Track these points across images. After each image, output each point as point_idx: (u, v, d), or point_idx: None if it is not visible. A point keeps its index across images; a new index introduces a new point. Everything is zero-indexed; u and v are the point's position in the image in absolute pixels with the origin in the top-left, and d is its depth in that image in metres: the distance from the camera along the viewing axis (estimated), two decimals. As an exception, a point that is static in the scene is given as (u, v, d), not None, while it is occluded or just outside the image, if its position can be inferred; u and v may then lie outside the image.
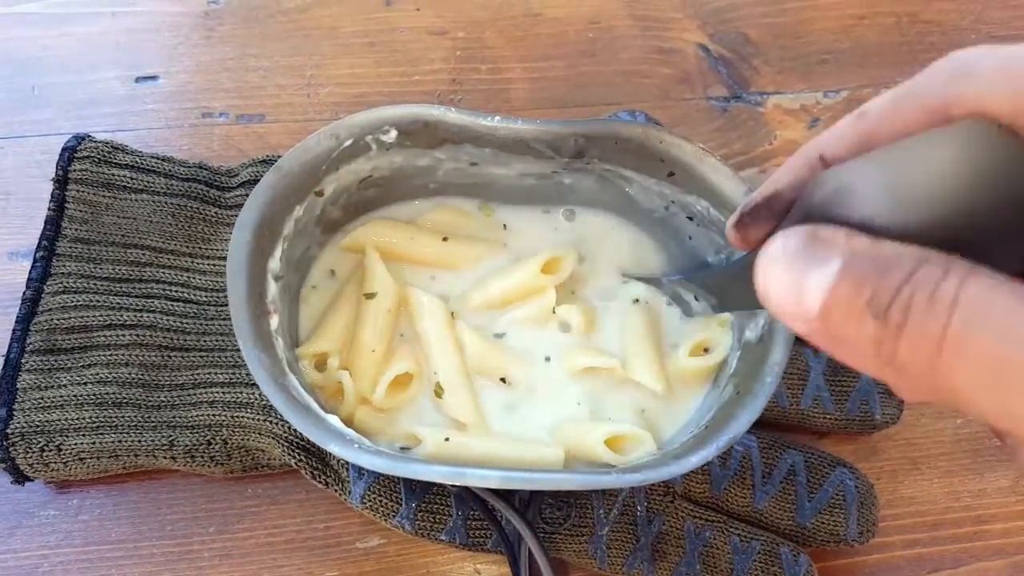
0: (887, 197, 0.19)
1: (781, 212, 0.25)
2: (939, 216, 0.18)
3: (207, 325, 0.42)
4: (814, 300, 0.19)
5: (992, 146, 0.18)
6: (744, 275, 0.27)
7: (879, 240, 0.19)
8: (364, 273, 0.41)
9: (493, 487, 0.32)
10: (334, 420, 0.34)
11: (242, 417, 0.39)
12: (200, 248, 0.44)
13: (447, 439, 0.37)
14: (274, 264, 0.36)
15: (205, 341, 0.41)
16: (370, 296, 0.40)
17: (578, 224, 0.44)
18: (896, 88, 0.22)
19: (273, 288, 0.36)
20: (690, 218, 0.40)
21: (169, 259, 0.43)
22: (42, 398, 0.39)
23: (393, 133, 0.38)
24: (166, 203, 0.44)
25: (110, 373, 0.40)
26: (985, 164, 0.18)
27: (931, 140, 0.19)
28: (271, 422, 0.39)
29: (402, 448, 0.38)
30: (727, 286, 0.34)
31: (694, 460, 0.32)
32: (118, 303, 0.41)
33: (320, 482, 0.39)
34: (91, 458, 0.39)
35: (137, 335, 0.41)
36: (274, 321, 0.35)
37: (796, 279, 0.19)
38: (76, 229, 0.43)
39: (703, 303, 0.39)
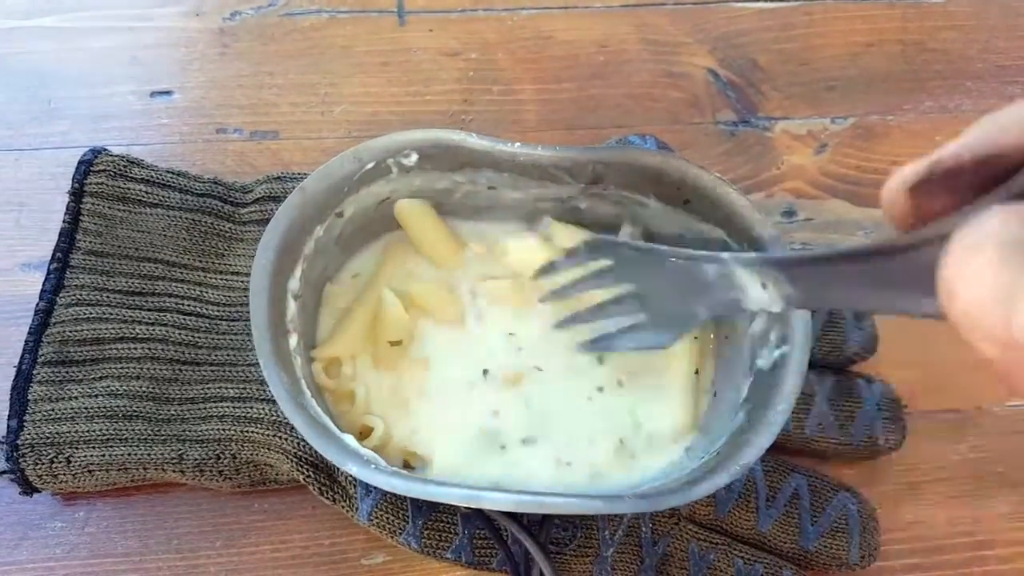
0: None
1: (990, 181, 0.17)
2: None
3: (219, 340, 0.42)
4: None
5: None
6: (886, 265, 0.20)
7: None
8: (383, 312, 0.41)
9: (506, 510, 0.32)
10: (350, 439, 0.35)
11: (252, 432, 0.39)
12: (213, 263, 0.44)
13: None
14: (293, 283, 0.37)
15: (216, 356, 0.41)
16: (395, 343, 0.40)
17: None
18: None
19: (292, 307, 0.37)
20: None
21: (182, 273, 0.43)
22: (53, 410, 0.39)
23: (414, 156, 0.39)
24: (180, 218, 0.44)
25: (121, 386, 0.40)
26: None
27: None
28: (281, 437, 0.39)
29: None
30: (829, 277, 0.26)
31: (705, 487, 0.32)
32: (131, 316, 0.42)
33: (328, 498, 0.39)
34: (100, 471, 0.39)
35: (149, 348, 0.41)
36: (292, 340, 0.36)
37: (1009, 282, 0.14)
38: (90, 242, 0.43)
39: (772, 294, 0.30)
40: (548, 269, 0.39)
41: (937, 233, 0.16)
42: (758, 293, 0.31)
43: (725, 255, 0.32)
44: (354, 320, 0.41)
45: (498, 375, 0.40)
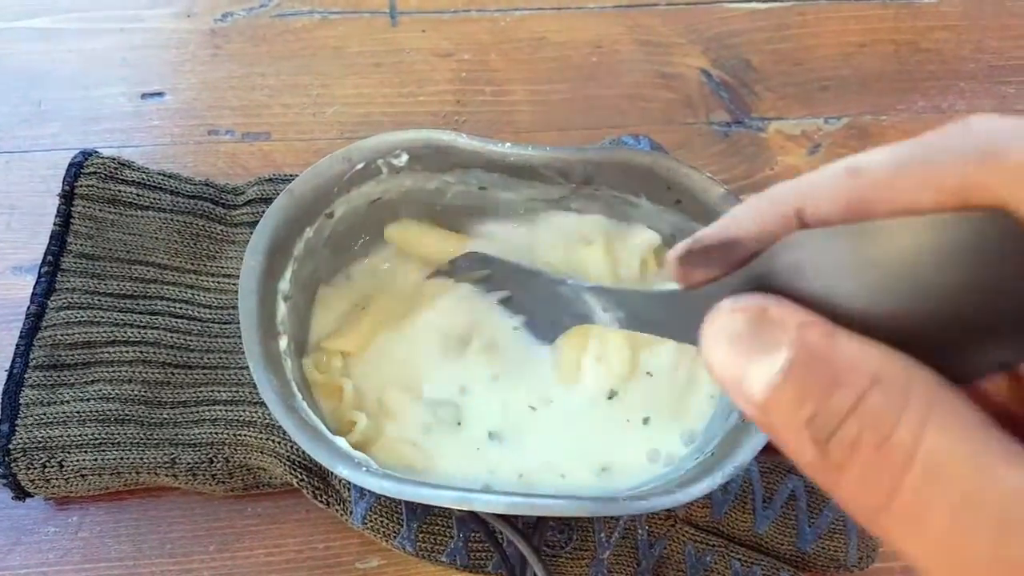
0: (867, 278, 0.17)
1: (736, 262, 0.21)
2: (921, 306, 0.16)
3: (211, 343, 0.42)
4: (756, 392, 0.17)
5: (1009, 240, 0.15)
6: (674, 308, 0.25)
7: (835, 334, 0.16)
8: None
9: (499, 512, 0.32)
10: (342, 442, 0.34)
11: (244, 435, 0.39)
12: (205, 265, 0.44)
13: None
14: (283, 285, 0.37)
15: (208, 359, 0.41)
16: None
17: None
18: (897, 148, 0.18)
19: (282, 309, 0.36)
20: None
21: (174, 276, 0.43)
22: (45, 414, 0.39)
23: (404, 157, 0.38)
24: (172, 220, 0.44)
25: (113, 390, 0.40)
26: (993, 259, 0.16)
27: (942, 224, 0.16)
28: (274, 441, 0.39)
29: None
30: (649, 309, 0.30)
31: (700, 488, 0.32)
32: (122, 319, 0.41)
33: (321, 502, 0.39)
34: (93, 475, 0.39)
35: (141, 352, 0.41)
36: (283, 342, 0.36)
37: (739, 363, 0.18)
38: (81, 244, 0.43)
39: (609, 316, 0.34)
40: (438, 274, 0.42)
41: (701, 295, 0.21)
42: (600, 314, 0.36)
43: (570, 280, 0.37)
44: (367, 323, 0.41)
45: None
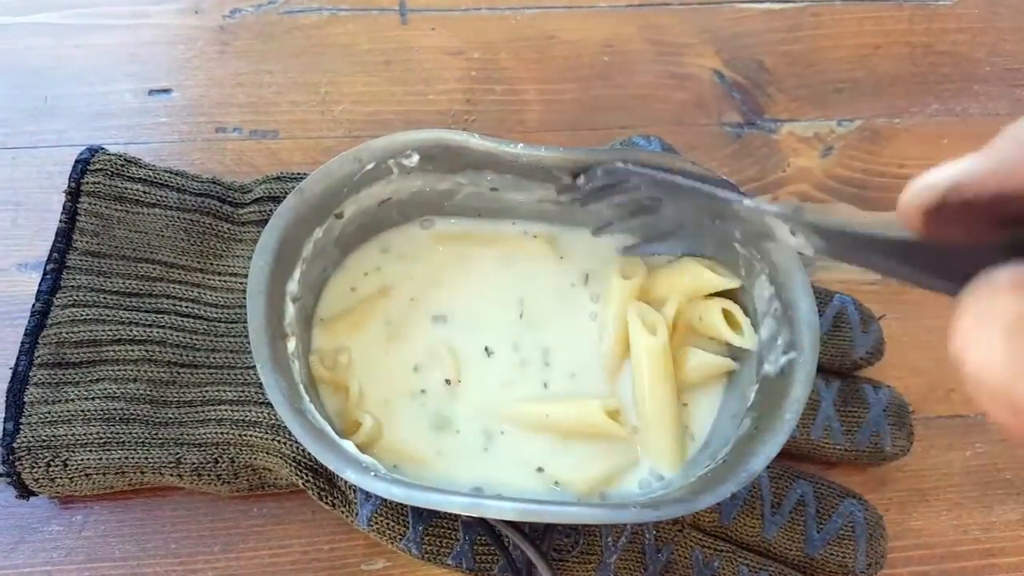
0: None
1: (1007, 220, 0.17)
2: None
3: (217, 342, 0.41)
4: None
5: None
6: (909, 255, 0.19)
7: None
8: None
9: (509, 519, 0.31)
10: (349, 446, 0.34)
11: (250, 436, 0.39)
12: (212, 264, 0.43)
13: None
14: (292, 286, 0.36)
15: (215, 358, 0.41)
16: None
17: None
18: None
19: (291, 310, 0.36)
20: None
21: (180, 274, 0.43)
22: (49, 412, 0.39)
23: (415, 157, 0.38)
24: (178, 218, 0.43)
25: (118, 388, 0.40)
26: None
27: None
28: (279, 441, 0.39)
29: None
30: (862, 244, 0.25)
31: (712, 497, 0.32)
32: (128, 318, 0.41)
33: (327, 503, 0.39)
34: (97, 474, 0.39)
35: (146, 350, 0.40)
36: (291, 344, 0.35)
37: (1014, 356, 0.14)
38: (87, 242, 0.42)
39: (802, 240, 0.30)
40: (565, 190, 0.40)
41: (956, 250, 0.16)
42: (787, 236, 0.31)
43: (747, 201, 0.32)
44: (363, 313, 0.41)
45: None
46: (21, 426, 0.39)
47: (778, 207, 0.31)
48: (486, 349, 0.41)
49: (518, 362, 0.41)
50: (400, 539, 0.38)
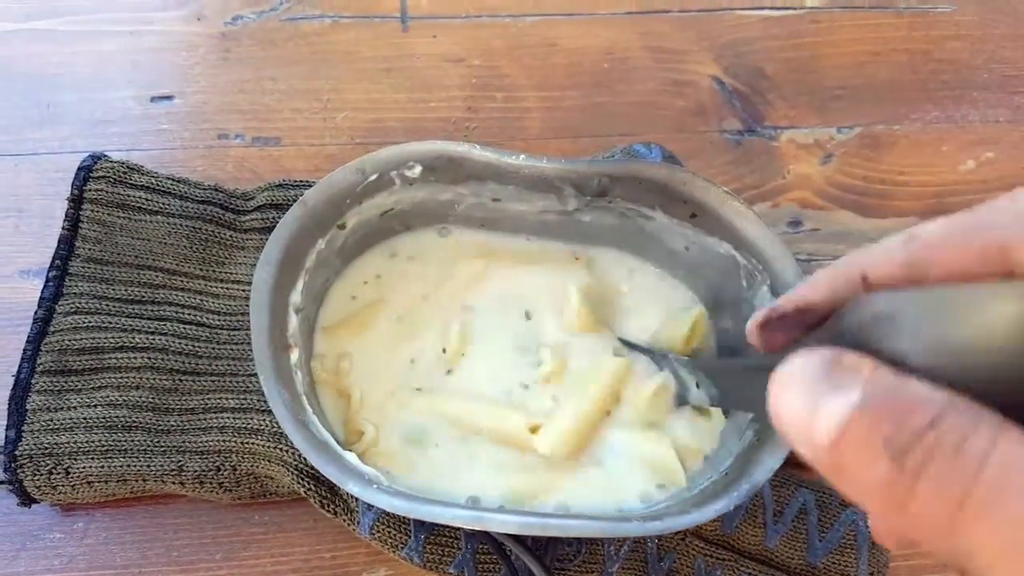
0: (929, 338, 0.18)
1: (811, 325, 0.24)
2: (982, 369, 0.17)
3: (219, 349, 0.41)
4: (826, 428, 0.18)
5: None
6: (756, 378, 0.25)
7: (906, 377, 0.18)
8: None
9: (512, 532, 0.31)
10: (352, 458, 0.34)
11: (252, 443, 0.39)
12: (214, 271, 0.43)
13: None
14: (295, 297, 0.36)
15: (217, 366, 0.41)
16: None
17: (598, 263, 0.44)
18: (952, 218, 0.20)
19: (294, 321, 0.36)
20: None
21: (183, 282, 0.43)
22: (52, 420, 0.39)
23: (418, 169, 0.38)
24: (181, 225, 0.44)
25: (121, 396, 0.40)
26: None
27: (996, 293, 0.17)
28: (281, 449, 0.39)
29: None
30: (735, 382, 0.33)
31: (716, 508, 0.32)
32: (130, 325, 0.41)
33: (329, 511, 0.39)
34: (99, 482, 0.39)
35: (149, 358, 0.40)
36: (294, 355, 0.35)
37: (810, 403, 0.18)
38: (90, 249, 0.43)
39: (703, 392, 0.37)
40: None
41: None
42: (693, 390, 0.38)
43: (668, 354, 0.39)
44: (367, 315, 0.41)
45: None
46: (23, 433, 0.39)
47: (683, 358, 0.39)
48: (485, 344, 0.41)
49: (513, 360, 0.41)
50: (402, 548, 0.38)
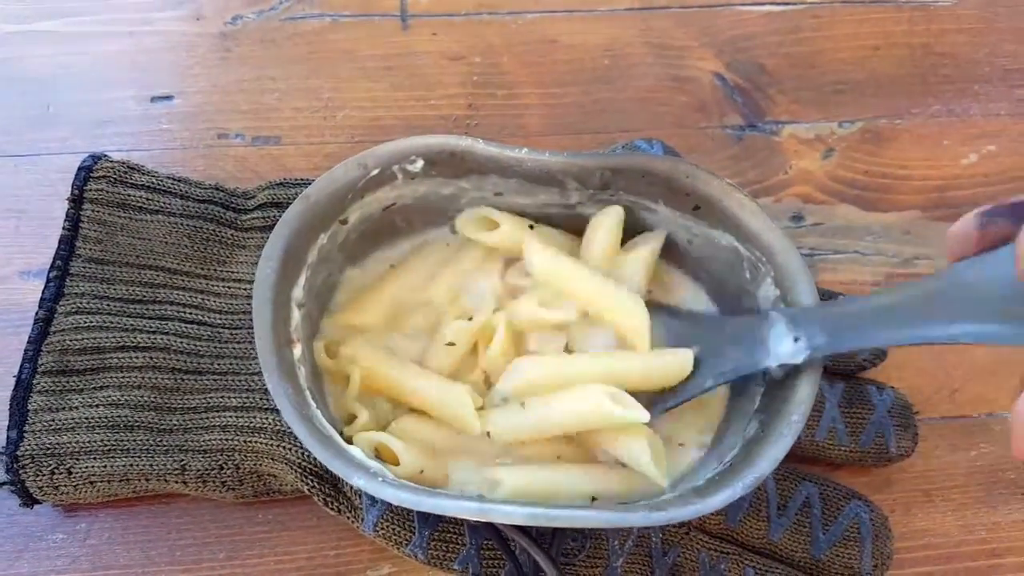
0: None
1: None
2: None
3: (221, 348, 0.41)
4: None
5: None
6: (907, 305, 0.24)
7: None
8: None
9: (518, 524, 0.31)
10: (357, 452, 0.34)
11: (255, 442, 0.39)
12: (215, 270, 0.43)
13: None
14: (297, 292, 0.36)
15: (219, 364, 0.41)
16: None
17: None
18: None
19: (296, 316, 0.36)
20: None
21: (184, 281, 0.43)
22: (53, 420, 0.39)
23: (420, 163, 0.38)
24: (181, 224, 0.44)
25: (123, 396, 0.40)
26: None
27: None
28: (284, 447, 0.39)
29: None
30: (862, 321, 0.32)
31: (720, 499, 0.31)
32: (132, 325, 0.41)
33: (332, 509, 0.39)
34: (101, 482, 0.38)
35: (150, 357, 0.40)
36: (297, 350, 0.35)
37: None
38: (90, 249, 0.43)
39: (801, 344, 0.34)
40: None
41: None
42: (788, 346, 0.35)
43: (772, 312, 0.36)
44: (381, 295, 0.41)
45: None
46: (25, 434, 0.38)
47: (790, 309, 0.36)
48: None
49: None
50: (406, 544, 0.38)
